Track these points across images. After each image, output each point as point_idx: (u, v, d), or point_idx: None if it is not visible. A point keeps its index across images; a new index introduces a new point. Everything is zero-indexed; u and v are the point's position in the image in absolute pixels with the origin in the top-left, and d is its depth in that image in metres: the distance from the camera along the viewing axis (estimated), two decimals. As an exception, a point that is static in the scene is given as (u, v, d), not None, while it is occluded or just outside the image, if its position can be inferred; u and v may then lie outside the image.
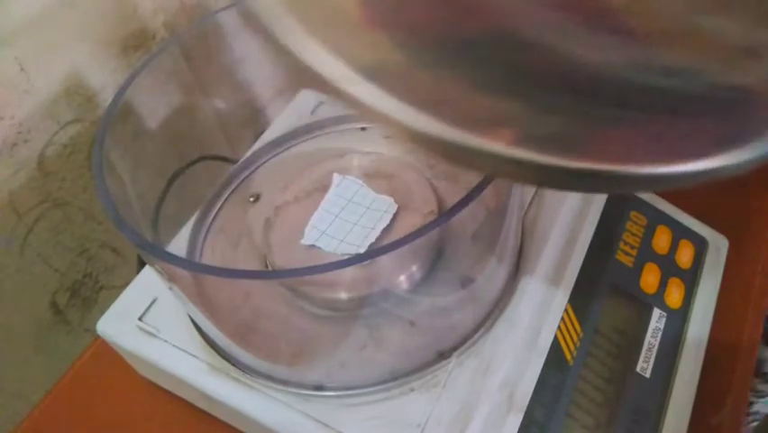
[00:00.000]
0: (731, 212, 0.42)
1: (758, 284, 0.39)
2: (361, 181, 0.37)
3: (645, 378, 0.32)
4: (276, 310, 0.34)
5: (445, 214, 0.26)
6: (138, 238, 0.25)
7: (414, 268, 0.34)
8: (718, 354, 0.35)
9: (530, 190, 0.37)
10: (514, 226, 0.33)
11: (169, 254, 0.25)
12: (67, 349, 0.61)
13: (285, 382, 0.31)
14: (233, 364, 0.32)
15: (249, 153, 0.42)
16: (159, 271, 0.28)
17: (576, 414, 0.31)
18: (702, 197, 0.43)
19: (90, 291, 0.64)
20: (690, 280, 0.36)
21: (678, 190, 0.40)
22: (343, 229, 0.35)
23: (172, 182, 0.40)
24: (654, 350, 0.33)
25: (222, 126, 0.57)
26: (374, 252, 0.24)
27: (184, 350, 0.33)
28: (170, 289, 0.30)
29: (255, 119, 0.52)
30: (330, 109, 0.45)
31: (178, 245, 0.37)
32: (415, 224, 0.35)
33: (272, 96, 0.53)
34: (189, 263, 0.27)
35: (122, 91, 0.32)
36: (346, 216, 0.35)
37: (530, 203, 0.37)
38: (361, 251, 0.33)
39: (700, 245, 0.38)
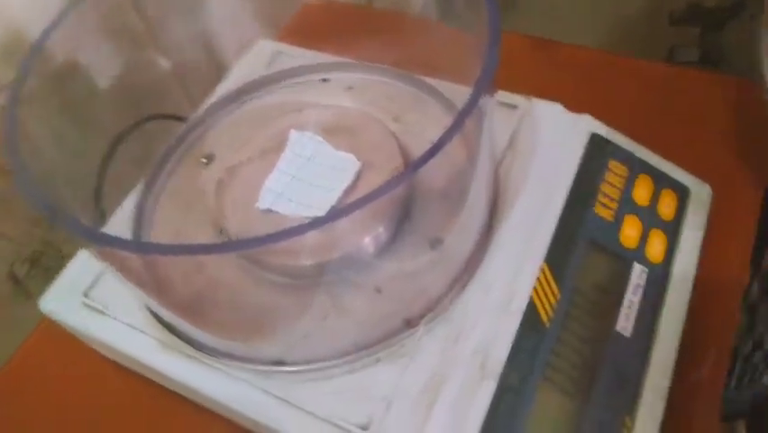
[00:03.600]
0: (714, 158, 0.40)
1: (743, 233, 0.37)
2: (320, 138, 0.34)
3: (626, 337, 0.31)
4: (231, 281, 0.32)
5: (411, 167, 0.23)
6: (57, 216, 0.22)
7: (380, 230, 0.31)
8: (701, 308, 0.34)
9: (503, 142, 0.35)
10: (485, 181, 0.31)
11: (90, 232, 0.22)
12: (30, 322, 0.58)
13: (242, 359, 0.29)
14: (187, 342, 0.30)
15: (200, 111, 0.39)
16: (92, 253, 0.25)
17: (553, 377, 0.29)
18: (684, 143, 0.40)
19: (52, 261, 0.61)
20: (673, 231, 0.34)
21: (660, 138, 0.38)
22: (302, 191, 0.32)
23: (116, 146, 0.37)
24: (635, 307, 0.31)
25: (182, 84, 0.53)
26: (334, 214, 0.22)
27: (134, 327, 0.31)
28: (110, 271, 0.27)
29: (218, 74, 0.48)
30: (288, 60, 0.41)
31: (124, 214, 0.34)
32: (379, 182, 0.32)
33: (237, 48, 0.49)
34: (114, 240, 0.23)
35: (41, 41, 0.29)
36: (304, 176, 0.33)
37: (503, 155, 0.34)
38: (322, 213, 0.31)
39: (683, 194, 0.36)
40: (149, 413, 0.35)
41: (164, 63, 0.51)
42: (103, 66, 0.47)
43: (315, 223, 0.22)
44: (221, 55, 0.55)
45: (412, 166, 0.23)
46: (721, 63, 0.89)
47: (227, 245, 0.27)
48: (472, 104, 0.23)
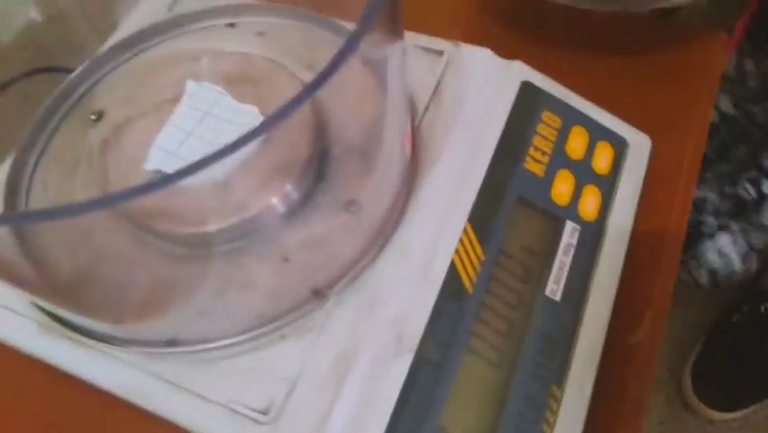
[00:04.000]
0: (653, 109, 0.37)
1: (682, 186, 0.35)
2: (220, 89, 0.30)
3: (555, 301, 0.29)
4: (121, 253, 0.28)
5: (303, 92, 0.20)
6: None
7: (287, 189, 0.28)
8: (637, 267, 0.32)
9: (426, 91, 0.32)
10: (400, 133, 0.28)
11: None
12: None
13: (131, 341, 0.26)
14: (68, 325, 0.26)
15: (88, 61, 0.34)
16: None
17: (477, 348, 0.27)
18: (624, 92, 0.38)
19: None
20: (608, 186, 0.32)
21: (596, 87, 0.35)
22: (198, 149, 0.28)
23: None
24: (566, 269, 0.29)
25: (97, 35, 0.48)
26: (206, 159, 0.19)
27: (9, 308, 0.27)
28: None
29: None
30: (190, 3, 0.37)
31: (-2, 180, 0.30)
32: (284, 137, 0.28)
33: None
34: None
35: None
36: (202, 132, 0.29)
37: (426, 107, 0.31)
38: (218, 174, 0.27)
39: (620, 147, 0.33)
40: (40, 394, 0.31)
41: (71, 11, 0.46)
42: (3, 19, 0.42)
43: (183, 172, 0.19)
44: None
45: (306, 91, 0.20)
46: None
47: (70, 207, 0.23)
48: (351, 44, 0.19)
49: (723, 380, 0.93)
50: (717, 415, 0.93)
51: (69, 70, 0.36)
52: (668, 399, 0.95)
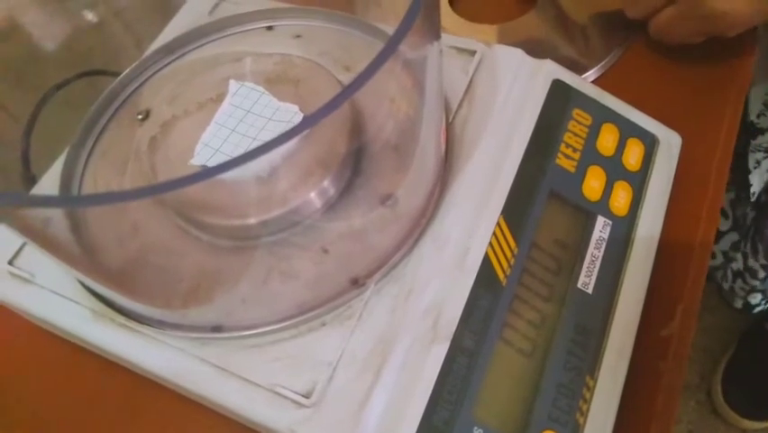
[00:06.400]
0: (683, 106, 0.38)
1: (713, 183, 0.35)
2: (261, 88, 0.31)
3: (588, 294, 0.29)
4: (168, 244, 0.29)
5: (345, 91, 0.21)
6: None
7: (326, 184, 0.29)
8: (669, 262, 0.32)
9: (459, 89, 0.32)
10: (435, 130, 0.29)
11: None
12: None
13: (178, 326, 0.27)
14: (119, 311, 0.28)
15: (135, 63, 0.36)
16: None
17: (511, 338, 0.28)
18: (653, 91, 0.38)
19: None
20: (639, 182, 0.33)
21: (626, 84, 0.35)
22: (241, 145, 0.30)
23: (41, 106, 0.34)
24: (598, 263, 0.30)
25: (136, 41, 0.50)
26: (251, 153, 0.20)
27: (64, 296, 0.29)
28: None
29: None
30: (231, 8, 0.38)
31: (52, 180, 0.32)
32: (324, 135, 0.30)
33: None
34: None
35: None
36: (244, 129, 0.30)
37: (459, 105, 0.32)
38: (263, 169, 0.28)
39: (651, 144, 0.34)
40: (86, 381, 0.33)
41: (114, 19, 0.48)
42: (47, 27, 0.44)
43: (229, 164, 0.20)
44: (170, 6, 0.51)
45: (342, 94, 0.21)
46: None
47: (130, 193, 0.24)
48: (392, 45, 0.20)
49: (754, 387, 0.91)
50: (747, 423, 0.91)
51: (116, 73, 0.38)
52: (698, 405, 0.94)
